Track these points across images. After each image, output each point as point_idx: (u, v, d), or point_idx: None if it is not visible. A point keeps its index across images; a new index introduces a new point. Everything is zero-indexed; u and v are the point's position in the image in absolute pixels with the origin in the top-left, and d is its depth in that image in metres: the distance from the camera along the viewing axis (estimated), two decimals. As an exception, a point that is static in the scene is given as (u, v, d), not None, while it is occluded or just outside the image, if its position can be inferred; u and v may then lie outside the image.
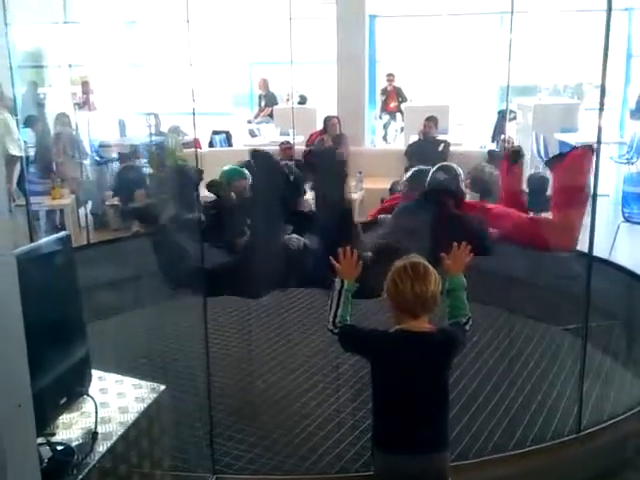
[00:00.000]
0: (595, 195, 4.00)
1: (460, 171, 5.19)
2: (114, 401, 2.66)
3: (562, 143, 10.13)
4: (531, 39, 11.85)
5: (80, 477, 2.20)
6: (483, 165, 7.96)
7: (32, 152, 9.05)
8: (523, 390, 4.65)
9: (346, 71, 9.96)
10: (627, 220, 7.52)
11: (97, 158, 10.22)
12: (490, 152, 8.84)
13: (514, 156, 5.26)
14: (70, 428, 2.45)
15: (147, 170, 9.20)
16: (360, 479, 3.65)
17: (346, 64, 9.88)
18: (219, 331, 5.51)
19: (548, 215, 5.10)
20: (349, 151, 8.64)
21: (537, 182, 6.86)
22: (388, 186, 7.48)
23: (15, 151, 7.67)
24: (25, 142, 8.46)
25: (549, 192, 5.69)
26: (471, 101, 15.51)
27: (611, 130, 13.18)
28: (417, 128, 9.67)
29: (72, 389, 2.51)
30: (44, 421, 2.27)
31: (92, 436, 2.37)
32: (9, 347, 1.69)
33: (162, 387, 2.80)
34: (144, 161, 9.67)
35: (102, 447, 2.36)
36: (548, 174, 6.59)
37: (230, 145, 11.59)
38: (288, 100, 12.56)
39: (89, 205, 9.09)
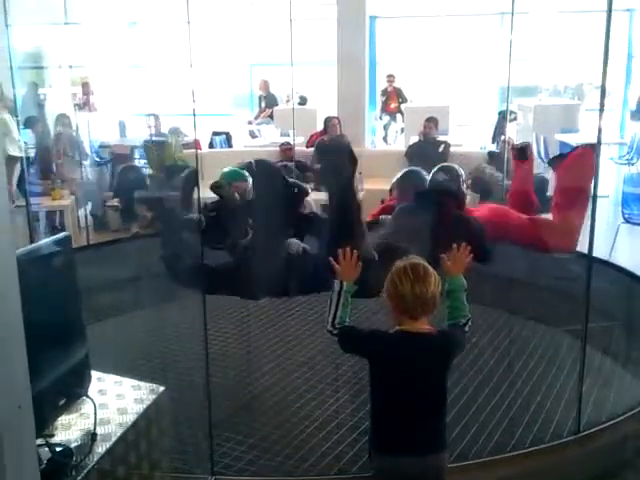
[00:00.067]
0: (595, 196, 4.00)
1: (461, 172, 5.19)
2: (113, 402, 2.66)
3: (562, 144, 10.13)
4: (532, 40, 11.85)
5: (79, 478, 2.20)
6: (484, 166, 7.99)
7: (32, 153, 9.05)
8: (522, 391, 4.65)
9: (346, 72, 9.95)
10: (627, 221, 7.52)
11: (97, 159, 10.23)
12: (490, 153, 8.85)
13: (519, 153, 5.21)
14: (69, 429, 2.45)
15: (147, 171, 9.19)
16: (359, 480, 3.65)
17: (346, 65, 9.88)
18: (218, 332, 5.51)
19: (548, 216, 5.09)
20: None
21: (537, 183, 6.85)
22: (388, 187, 7.46)
23: (15, 152, 7.67)
24: (25, 143, 8.46)
25: (549, 193, 5.70)
26: (471, 102, 15.51)
27: (611, 131, 13.18)
28: (417, 129, 9.67)
29: (71, 390, 2.51)
30: (43, 422, 2.27)
31: (91, 437, 2.37)
32: (9, 348, 1.69)
33: (161, 388, 2.80)
34: (143, 162, 9.67)
35: (101, 448, 2.36)
36: (548, 175, 6.60)
37: (230, 146, 11.60)
38: (288, 101, 12.57)
39: (89, 206, 9.09)
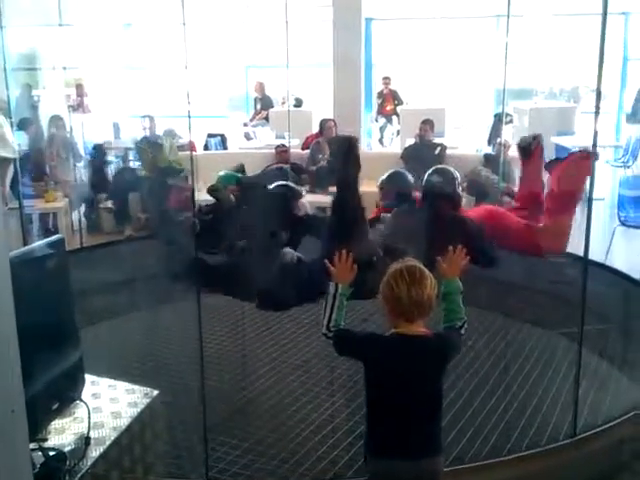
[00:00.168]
0: (591, 198, 4.00)
1: (456, 174, 5.18)
2: (107, 406, 2.65)
3: (558, 146, 10.14)
4: (527, 42, 11.87)
5: (72, 483, 2.19)
6: (479, 169, 7.98)
7: (26, 154, 9.01)
8: (518, 394, 4.64)
9: (342, 74, 9.95)
10: (623, 224, 7.52)
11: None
12: (486, 155, 8.85)
13: (522, 152, 5.14)
14: (63, 433, 2.43)
15: (141, 172, 9.17)
16: (354, 484, 3.64)
17: (342, 67, 9.88)
18: (213, 335, 5.49)
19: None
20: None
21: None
22: (383, 190, 7.46)
23: (8, 153, 7.65)
24: (19, 144, 8.43)
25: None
26: (467, 104, 15.52)
27: (607, 134, 13.20)
28: (413, 131, 9.67)
29: (65, 394, 2.50)
30: (37, 426, 2.26)
31: (85, 441, 2.36)
32: (2, 352, 1.68)
33: (155, 392, 2.79)
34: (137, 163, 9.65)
35: (95, 452, 2.35)
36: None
37: (225, 148, 11.58)
38: (284, 103, 12.55)
39: (82, 208, 9.06)
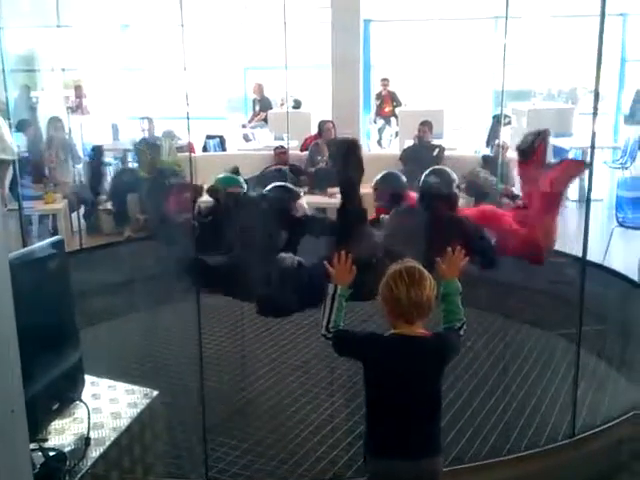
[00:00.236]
0: (589, 200, 4.01)
1: (453, 175, 5.18)
2: (107, 406, 2.65)
3: (556, 148, 10.15)
4: (526, 44, 11.87)
5: (72, 483, 2.19)
6: (478, 170, 7.99)
7: (24, 156, 9.01)
8: (517, 395, 4.65)
9: (341, 75, 9.96)
10: (621, 225, 7.53)
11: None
12: (485, 157, 8.86)
13: (521, 155, 5.10)
14: (63, 434, 2.44)
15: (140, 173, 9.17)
16: (354, 484, 3.64)
17: (341, 68, 9.89)
18: (213, 336, 5.49)
19: None
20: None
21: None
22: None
23: (8, 155, 7.65)
24: (18, 146, 8.43)
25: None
26: (466, 106, 15.53)
27: (605, 135, 13.22)
28: (412, 133, 9.67)
29: (65, 394, 2.50)
30: (36, 427, 2.26)
31: (85, 442, 2.37)
32: (2, 352, 1.68)
33: (155, 392, 2.79)
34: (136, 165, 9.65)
35: (95, 453, 2.35)
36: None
37: (224, 150, 11.58)
38: (282, 104, 12.55)
39: (81, 209, 9.06)
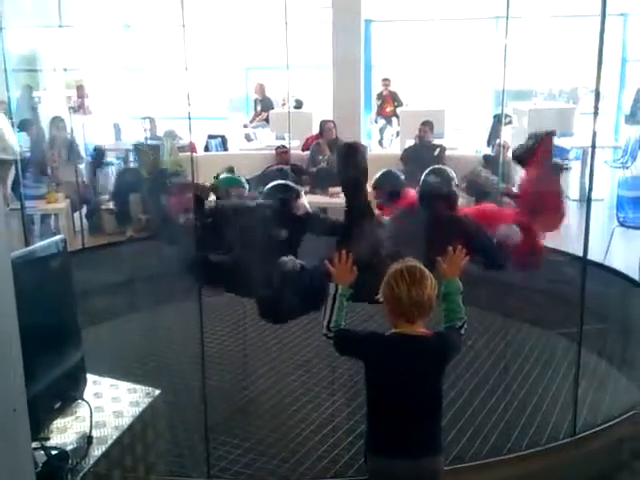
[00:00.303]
0: (589, 199, 4.01)
1: (453, 174, 5.18)
2: (109, 405, 2.65)
3: (557, 147, 10.14)
4: (526, 44, 11.86)
5: (75, 481, 2.20)
6: (479, 169, 7.99)
7: (27, 156, 9.03)
8: (518, 394, 4.65)
9: (342, 75, 9.96)
10: (622, 224, 7.52)
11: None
12: (485, 156, 8.85)
13: (519, 161, 5.08)
14: (65, 432, 2.44)
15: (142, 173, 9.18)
16: (355, 483, 3.65)
17: (342, 68, 9.88)
18: (214, 335, 5.51)
19: None
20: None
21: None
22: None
23: (10, 155, 7.66)
24: (20, 146, 8.44)
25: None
26: (467, 105, 15.52)
27: (606, 134, 13.21)
28: (413, 132, 9.67)
29: (67, 393, 2.51)
30: (39, 425, 2.27)
31: (87, 440, 2.37)
32: (4, 351, 1.68)
33: (157, 391, 2.80)
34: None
35: (97, 451, 2.36)
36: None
37: (226, 149, 11.59)
38: (284, 104, 12.56)
39: (84, 209, 9.07)
